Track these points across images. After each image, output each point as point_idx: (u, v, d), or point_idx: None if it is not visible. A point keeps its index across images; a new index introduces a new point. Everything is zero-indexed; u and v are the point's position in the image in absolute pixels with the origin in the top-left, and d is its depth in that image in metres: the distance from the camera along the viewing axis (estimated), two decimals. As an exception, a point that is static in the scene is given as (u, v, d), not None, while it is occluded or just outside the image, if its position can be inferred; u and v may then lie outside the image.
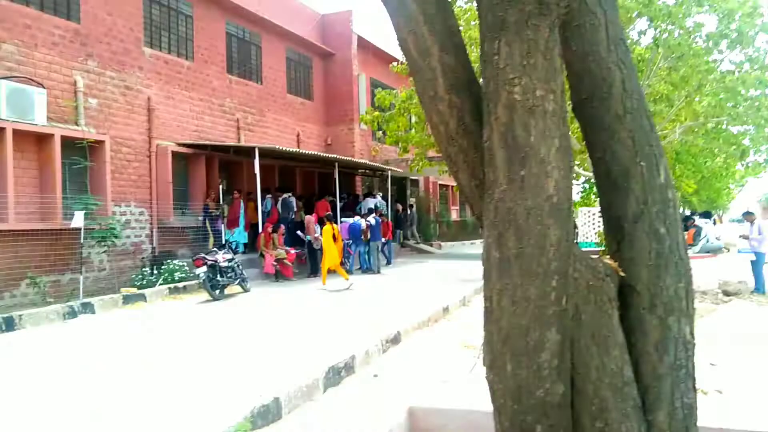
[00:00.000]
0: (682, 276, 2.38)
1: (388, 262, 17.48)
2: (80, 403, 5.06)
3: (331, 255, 13.07)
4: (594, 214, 21.95)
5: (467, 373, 6.07)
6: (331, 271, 13.23)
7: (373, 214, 16.50)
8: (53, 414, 4.84)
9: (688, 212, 27.35)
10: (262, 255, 14.38)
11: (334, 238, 13.25)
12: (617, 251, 2.47)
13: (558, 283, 2.21)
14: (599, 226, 19.96)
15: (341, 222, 16.77)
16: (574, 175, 19.62)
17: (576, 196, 29.53)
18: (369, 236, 15.94)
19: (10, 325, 8.40)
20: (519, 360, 2.22)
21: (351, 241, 16.14)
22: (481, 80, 2.43)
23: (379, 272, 15.68)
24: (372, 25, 22.19)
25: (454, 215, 31.17)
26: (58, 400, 5.21)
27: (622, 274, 2.37)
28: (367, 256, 16.21)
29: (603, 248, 14.61)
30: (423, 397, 4.48)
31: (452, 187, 30.53)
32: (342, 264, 14.44)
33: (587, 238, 21.72)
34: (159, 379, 5.75)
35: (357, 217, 16.78)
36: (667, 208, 2.41)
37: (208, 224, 14.51)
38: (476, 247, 28.17)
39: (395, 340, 7.12)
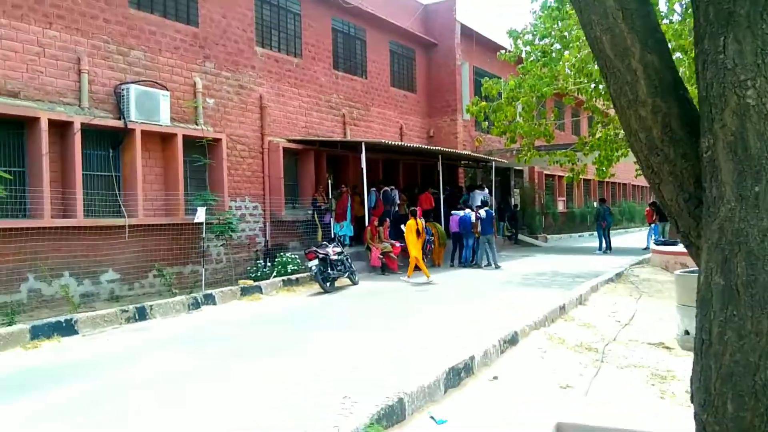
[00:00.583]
0: None
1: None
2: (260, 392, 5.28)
3: (414, 249, 13.09)
4: None
5: (591, 379, 5.78)
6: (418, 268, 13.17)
7: (485, 207, 16.22)
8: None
9: None
10: (368, 248, 14.53)
11: (418, 233, 13.20)
12: None
13: None
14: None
15: (451, 215, 16.68)
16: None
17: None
18: (479, 230, 15.70)
19: (142, 315, 8.98)
20: (743, 401, 2.01)
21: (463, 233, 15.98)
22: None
23: (498, 267, 15.39)
24: (475, 11, 21.72)
25: (561, 206, 30.08)
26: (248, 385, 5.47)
27: None
28: (470, 251, 16.01)
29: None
30: (567, 413, 4.24)
31: (559, 177, 29.47)
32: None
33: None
34: (286, 373, 5.89)
35: (467, 210, 16.57)
36: None
37: (316, 218, 14.86)
38: (584, 239, 27.08)
39: (512, 340, 6.89)
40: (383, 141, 16.21)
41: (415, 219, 13.43)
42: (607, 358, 6.53)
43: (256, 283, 11.47)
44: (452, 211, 16.82)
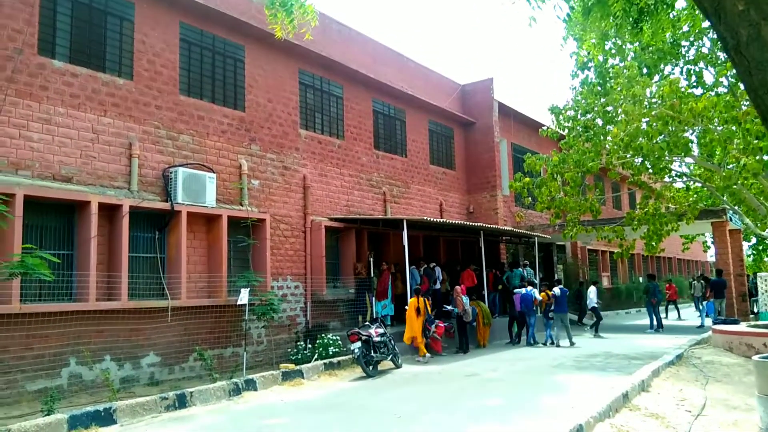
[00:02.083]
0: None
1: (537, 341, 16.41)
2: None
3: (410, 327, 12.89)
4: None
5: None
6: (433, 343, 13.40)
7: (560, 285, 16.41)
8: None
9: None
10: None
11: (418, 312, 12.85)
12: None
13: None
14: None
15: (514, 293, 16.57)
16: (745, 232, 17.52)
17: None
18: (545, 308, 15.93)
19: (182, 402, 8.69)
20: None
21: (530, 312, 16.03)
22: None
23: (573, 344, 15.40)
24: (513, 91, 22.06)
25: (606, 282, 29.14)
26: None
27: None
28: (532, 329, 15.97)
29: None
30: None
31: (602, 252, 28.74)
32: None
33: (770, 308, 19.08)
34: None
35: (529, 287, 16.38)
36: None
37: (367, 298, 14.62)
38: (632, 316, 25.98)
39: (579, 436, 6.34)
40: (424, 218, 16.09)
41: (418, 297, 13.14)
42: (685, 456, 5.92)
43: (298, 367, 11.11)
44: (515, 290, 16.73)
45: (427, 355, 13.17)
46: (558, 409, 7.74)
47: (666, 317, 19.21)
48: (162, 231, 11.23)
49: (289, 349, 12.83)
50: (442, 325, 14.45)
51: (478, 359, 13.24)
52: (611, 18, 6.53)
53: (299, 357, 12.18)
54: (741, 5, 1.89)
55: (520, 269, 19.30)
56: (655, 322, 19.33)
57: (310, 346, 12.66)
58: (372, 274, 15.05)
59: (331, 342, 12.46)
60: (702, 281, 23.15)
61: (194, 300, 11.31)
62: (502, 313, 18.34)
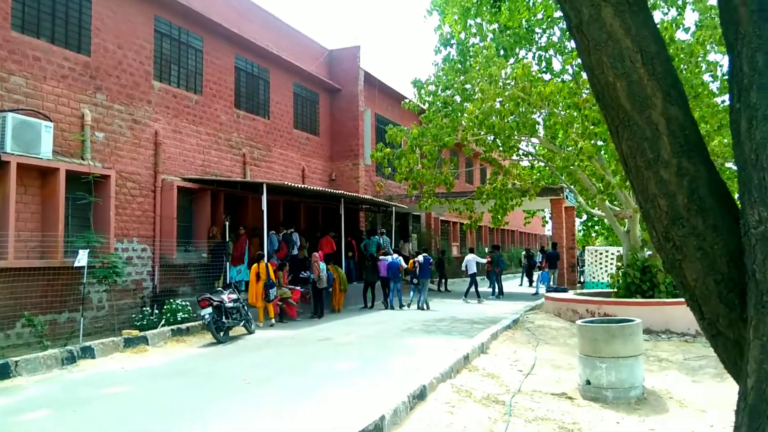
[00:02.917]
0: None
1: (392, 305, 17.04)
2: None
3: (251, 292, 12.88)
4: (602, 253, 21.64)
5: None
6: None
7: (424, 254, 17.23)
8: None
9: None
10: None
11: (258, 277, 12.85)
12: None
13: None
14: (610, 266, 19.63)
15: (379, 260, 16.97)
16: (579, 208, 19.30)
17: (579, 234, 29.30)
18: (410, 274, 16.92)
19: (5, 372, 7.90)
20: None
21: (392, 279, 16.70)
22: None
23: (429, 308, 16.35)
24: (379, 61, 22.25)
25: (455, 251, 30.82)
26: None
27: None
28: (398, 295, 16.81)
29: (615, 290, 14.35)
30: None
31: (453, 223, 30.28)
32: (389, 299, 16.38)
33: (594, 277, 21.37)
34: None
35: (395, 255, 17.11)
36: None
37: (227, 265, 14.10)
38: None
39: (421, 395, 6.67)
40: (285, 183, 15.85)
41: (260, 263, 13.02)
42: (514, 411, 6.47)
43: (142, 333, 10.54)
44: (380, 257, 17.28)
45: (271, 320, 13.07)
46: (404, 370, 8.08)
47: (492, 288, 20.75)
48: (-15, 183, 9.98)
49: (134, 315, 12.13)
50: (298, 290, 14.48)
51: (332, 324, 13.44)
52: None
53: (144, 323, 11.56)
54: None
55: (377, 237, 19.81)
56: (496, 290, 20.81)
57: (157, 311, 12.06)
58: (228, 239, 14.60)
59: (180, 308, 11.95)
60: (540, 253, 25.30)
61: (23, 261, 10.25)
62: (359, 279, 18.73)
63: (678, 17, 12.06)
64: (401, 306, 16.64)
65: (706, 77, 12.62)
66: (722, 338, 1.95)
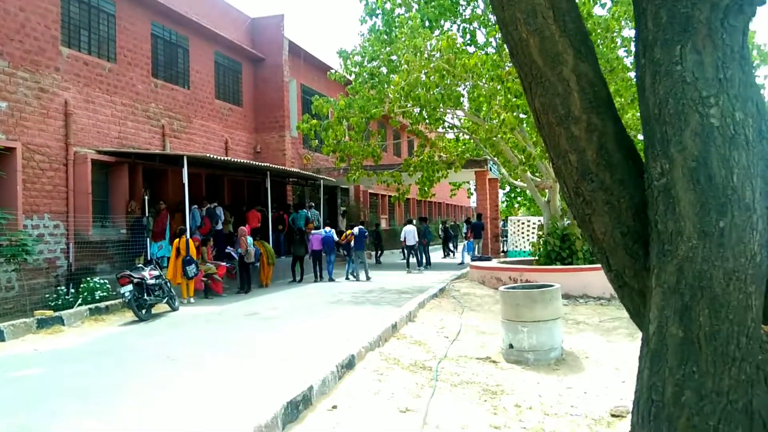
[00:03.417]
0: None
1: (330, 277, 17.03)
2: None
3: (170, 269, 12.53)
4: (523, 223, 22.39)
5: (428, 400, 5.81)
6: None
7: (360, 226, 17.43)
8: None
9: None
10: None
11: (178, 252, 12.56)
12: None
13: (751, 369, 1.72)
14: (532, 235, 20.35)
15: (311, 234, 16.94)
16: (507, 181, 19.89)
17: (501, 205, 30.16)
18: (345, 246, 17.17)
19: None
20: None
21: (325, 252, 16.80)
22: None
23: (369, 278, 16.64)
24: (304, 30, 21.80)
25: (384, 224, 31.06)
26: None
27: None
28: (331, 267, 16.94)
29: (536, 257, 14.91)
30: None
31: (382, 196, 30.44)
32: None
33: (516, 246, 22.12)
34: None
35: (327, 228, 17.11)
36: None
37: (147, 241, 13.54)
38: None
39: (350, 365, 6.72)
40: (207, 155, 15.36)
41: (181, 238, 12.65)
42: (440, 376, 6.63)
43: (57, 314, 10.03)
44: (312, 231, 17.32)
45: (190, 298, 12.74)
46: (333, 341, 8.10)
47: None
48: None
49: (48, 295, 11.52)
50: (224, 265, 14.17)
51: (259, 298, 13.27)
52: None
53: (60, 303, 11.00)
54: None
55: (305, 210, 19.64)
56: (424, 260, 21.18)
57: (73, 291, 11.50)
58: (148, 214, 14.04)
59: (98, 286, 11.45)
60: (466, 224, 25.86)
61: None
62: (287, 253, 18.54)
63: (595, -8, 12.42)
64: (331, 278, 16.64)
65: (621, 52, 13.09)
66: (628, 288, 2.02)
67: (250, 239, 14.59)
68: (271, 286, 15.53)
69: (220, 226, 16.16)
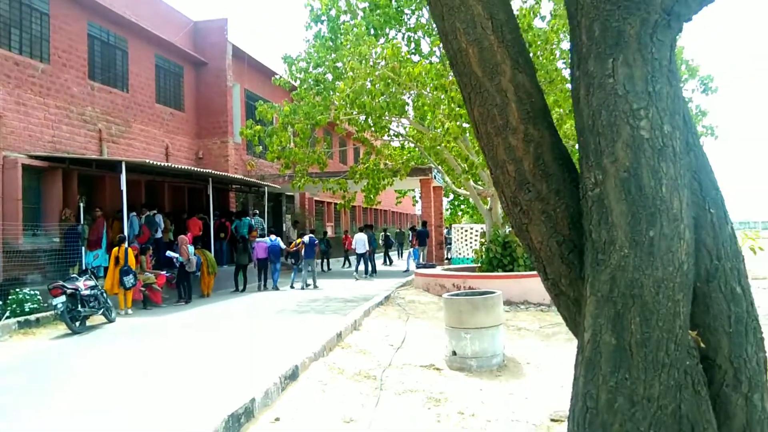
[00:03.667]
0: (760, 343, 1.98)
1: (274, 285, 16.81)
2: None
3: (107, 279, 12.15)
4: (467, 231, 22.73)
5: (372, 409, 5.80)
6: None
7: (310, 234, 17.38)
8: None
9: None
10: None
11: (117, 261, 12.17)
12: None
13: (679, 374, 1.77)
14: (475, 243, 20.67)
15: (256, 242, 16.72)
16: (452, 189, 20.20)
17: (446, 213, 30.58)
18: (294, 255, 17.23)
19: None
20: None
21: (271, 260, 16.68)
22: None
23: (317, 287, 16.55)
24: (249, 35, 21.54)
25: (330, 232, 30.91)
26: None
27: (702, 345, 1.91)
28: (277, 275, 16.84)
29: (479, 264, 15.14)
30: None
31: (328, 203, 30.30)
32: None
33: (460, 254, 22.42)
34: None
35: (273, 236, 16.95)
36: (740, 263, 1.97)
37: (82, 250, 12.97)
38: (353, 264, 28.01)
39: (293, 375, 6.63)
40: (147, 161, 14.91)
41: (119, 246, 12.26)
42: (385, 385, 6.62)
43: (-18, 327, 9.50)
44: (257, 239, 17.08)
45: (128, 309, 12.30)
46: (276, 352, 7.98)
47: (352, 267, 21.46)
48: None
49: (-28, 307, 10.88)
50: (163, 274, 13.76)
51: (200, 309, 12.96)
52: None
53: (-15, 316, 10.42)
54: None
55: (249, 218, 19.32)
56: (369, 268, 21.19)
57: (0, 303, 10.91)
58: (83, 222, 13.50)
59: (28, 297, 10.90)
60: (411, 232, 26.05)
61: None
62: (229, 262, 18.18)
63: (535, 5, 12.77)
64: (276, 287, 16.43)
65: (560, 64, 13.50)
66: (564, 297, 2.06)
67: (191, 247, 14.23)
68: (212, 296, 15.19)
69: (159, 235, 15.72)
